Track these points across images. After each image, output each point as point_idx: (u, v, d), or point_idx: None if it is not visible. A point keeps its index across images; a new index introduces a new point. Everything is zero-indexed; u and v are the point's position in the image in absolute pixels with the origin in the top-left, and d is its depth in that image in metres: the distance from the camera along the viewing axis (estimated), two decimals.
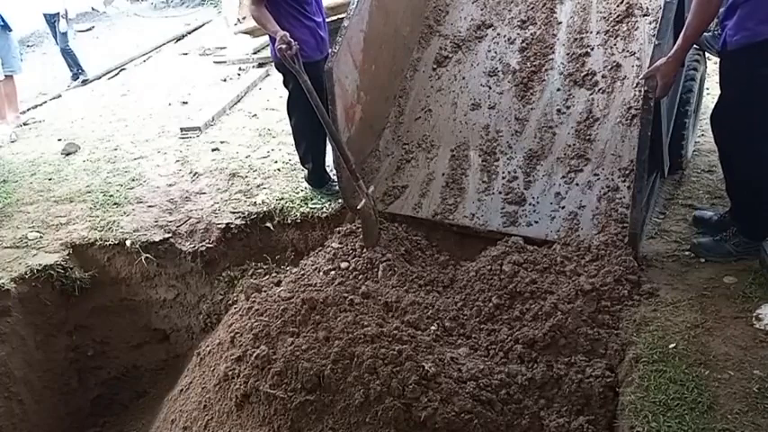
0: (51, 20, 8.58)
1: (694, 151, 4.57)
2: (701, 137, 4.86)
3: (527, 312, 3.20)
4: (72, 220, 4.43)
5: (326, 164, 4.52)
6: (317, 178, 4.49)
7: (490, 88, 4.16)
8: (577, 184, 3.71)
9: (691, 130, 4.33)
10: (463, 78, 4.24)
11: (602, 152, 3.74)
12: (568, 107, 3.94)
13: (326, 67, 3.70)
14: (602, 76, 3.94)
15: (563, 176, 3.76)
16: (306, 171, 4.54)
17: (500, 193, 3.82)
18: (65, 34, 8.55)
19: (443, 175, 3.98)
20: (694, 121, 4.52)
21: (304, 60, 3.73)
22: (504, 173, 3.88)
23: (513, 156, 3.91)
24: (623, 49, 3.97)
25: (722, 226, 3.45)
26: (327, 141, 4.36)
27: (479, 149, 3.99)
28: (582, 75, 3.99)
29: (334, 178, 4.56)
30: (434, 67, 4.34)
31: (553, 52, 4.12)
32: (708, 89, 5.42)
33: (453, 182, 3.94)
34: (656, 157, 3.57)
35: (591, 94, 3.92)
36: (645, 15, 4.00)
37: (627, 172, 3.63)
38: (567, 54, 4.08)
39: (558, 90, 4.00)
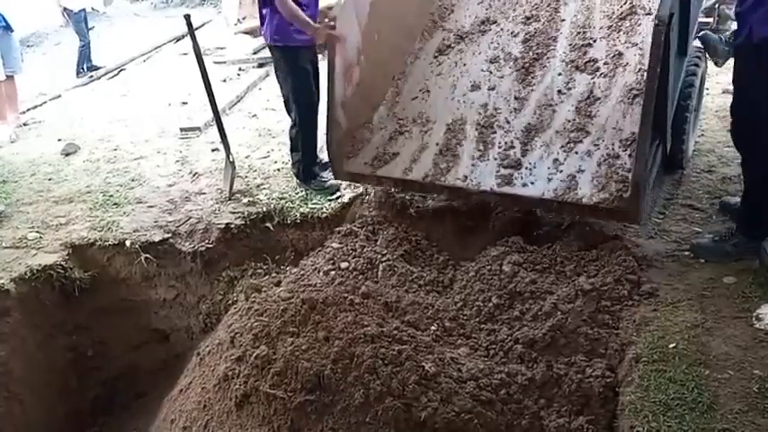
0: (79, 17, 8.76)
1: (694, 151, 4.58)
2: (701, 137, 4.87)
3: (527, 312, 3.20)
4: (72, 220, 4.43)
5: (318, 158, 4.61)
6: (307, 169, 4.54)
7: (491, 73, 4.10)
8: (576, 153, 3.57)
9: (691, 127, 4.34)
10: (464, 65, 4.19)
11: (602, 126, 3.62)
12: (569, 88, 3.86)
13: (331, 14, 3.68)
14: (604, 63, 3.89)
15: (562, 146, 3.62)
16: (295, 164, 4.59)
17: (495, 159, 3.67)
18: (89, 28, 8.92)
19: (437, 144, 3.84)
20: (695, 118, 4.53)
21: (301, 45, 4.15)
22: (500, 143, 3.75)
23: (510, 129, 3.79)
24: (626, 41, 3.95)
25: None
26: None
27: (476, 124, 3.87)
28: (584, 61, 3.94)
29: (323, 175, 4.60)
30: (436, 55, 4.31)
31: (556, 43, 4.09)
32: (708, 89, 5.43)
33: (447, 150, 3.80)
34: (661, 128, 3.48)
35: (592, 78, 3.86)
36: (648, 14, 4.00)
37: (628, 143, 3.48)
38: (570, 45, 4.05)
39: (560, 75, 3.93)
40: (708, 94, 5.48)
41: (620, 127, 3.58)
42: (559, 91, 3.87)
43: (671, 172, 4.30)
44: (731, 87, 5.73)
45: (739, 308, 2.95)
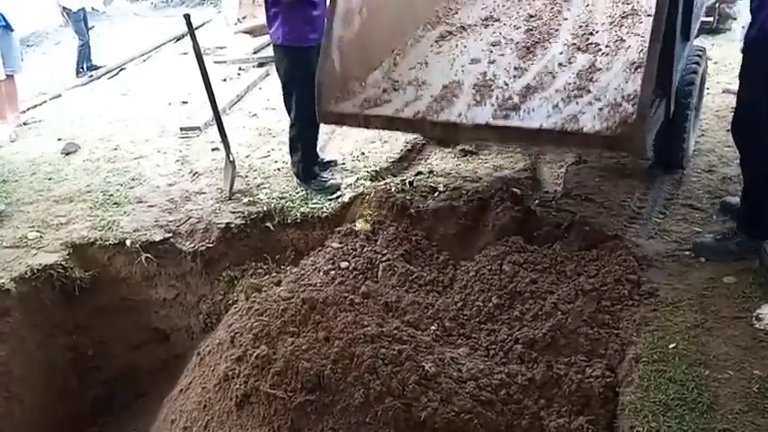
0: (78, 16, 8.80)
1: (694, 151, 4.58)
2: (701, 137, 4.87)
3: (527, 312, 3.20)
4: (72, 219, 4.43)
5: (318, 158, 4.63)
6: (307, 169, 4.54)
7: (491, 52, 4.02)
8: (577, 103, 3.40)
9: (692, 126, 4.33)
10: (465, 46, 4.13)
11: (604, 88, 3.47)
12: (570, 62, 3.75)
13: None
14: (606, 46, 3.82)
15: (562, 99, 3.45)
16: (295, 164, 4.60)
17: (493, 105, 3.51)
18: (89, 28, 8.99)
19: (431, 96, 3.68)
20: (695, 118, 4.53)
21: (313, 45, 4.03)
22: (498, 96, 3.58)
23: (508, 90, 3.63)
24: (628, 32, 3.92)
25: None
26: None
27: (474, 85, 3.71)
28: (586, 44, 3.88)
29: (323, 175, 4.61)
30: (437, 39, 4.25)
31: (558, 33, 4.08)
32: (708, 89, 5.43)
33: (443, 99, 3.63)
34: (665, 87, 3.39)
35: (594, 56, 3.76)
36: (649, 16, 4.01)
37: (631, 97, 3.29)
38: (573, 34, 4.01)
39: (561, 53, 3.84)
40: (708, 93, 5.48)
41: (622, 88, 3.42)
42: (560, 64, 3.76)
43: (671, 172, 4.31)
44: (731, 87, 5.77)
45: (739, 308, 2.95)
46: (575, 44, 3.90)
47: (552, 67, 3.72)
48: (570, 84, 3.54)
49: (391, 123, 3.62)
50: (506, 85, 3.65)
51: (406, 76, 3.93)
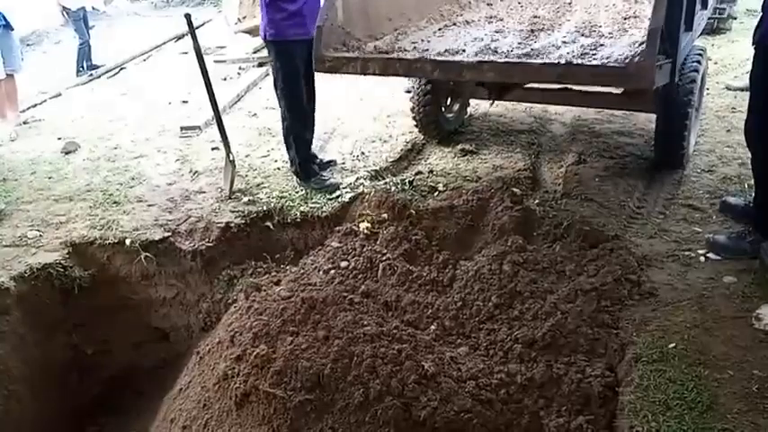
0: (77, 15, 8.85)
1: (694, 151, 4.59)
2: (701, 137, 4.88)
3: (527, 312, 3.20)
4: (72, 218, 4.43)
5: (317, 157, 4.64)
6: (304, 166, 4.56)
7: (495, 36, 4.01)
8: (582, 58, 3.33)
9: (692, 125, 4.34)
10: (468, 33, 4.14)
11: (608, 55, 3.37)
12: (574, 42, 3.71)
13: None
14: (610, 33, 3.84)
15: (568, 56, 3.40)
16: (292, 162, 4.62)
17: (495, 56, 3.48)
18: (89, 27, 9.09)
19: (435, 51, 3.68)
20: (695, 117, 4.53)
21: (294, 40, 4.14)
22: (500, 55, 3.54)
23: (511, 54, 3.55)
24: (630, 27, 3.95)
25: (748, 214, 3.46)
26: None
27: (474, 53, 3.64)
28: (589, 32, 3.89)
29: (323, 174, 4.62)
30: (440, 28, 4.28)
31: (561, 26, 4.09)
32: (708, 89, 5.44)
33: (445, 52, 3.62)
34: (671, 44, 3.38)
35: (597, 39, 3.73)
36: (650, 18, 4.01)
37: (638, 53, 3.17)
38: (575, 27, 4.03)
39: (564, 37, 3.82)
40: (708, 93, 5.49)
41: (627, 53, 3.31)
42: (564, 42, 3.72)
43: (671, 172, 4.31)
44: (733, 84, 5.78)
45: (739, 308, 2.95)
46: (578, 31, 3.92)
47: (556, 44, 3.70)
48: (573, 51, 3.50)
49: (390, 66, 3.55)
50: (510, 51, 3.61)
51: (407, 47, 3.92)
